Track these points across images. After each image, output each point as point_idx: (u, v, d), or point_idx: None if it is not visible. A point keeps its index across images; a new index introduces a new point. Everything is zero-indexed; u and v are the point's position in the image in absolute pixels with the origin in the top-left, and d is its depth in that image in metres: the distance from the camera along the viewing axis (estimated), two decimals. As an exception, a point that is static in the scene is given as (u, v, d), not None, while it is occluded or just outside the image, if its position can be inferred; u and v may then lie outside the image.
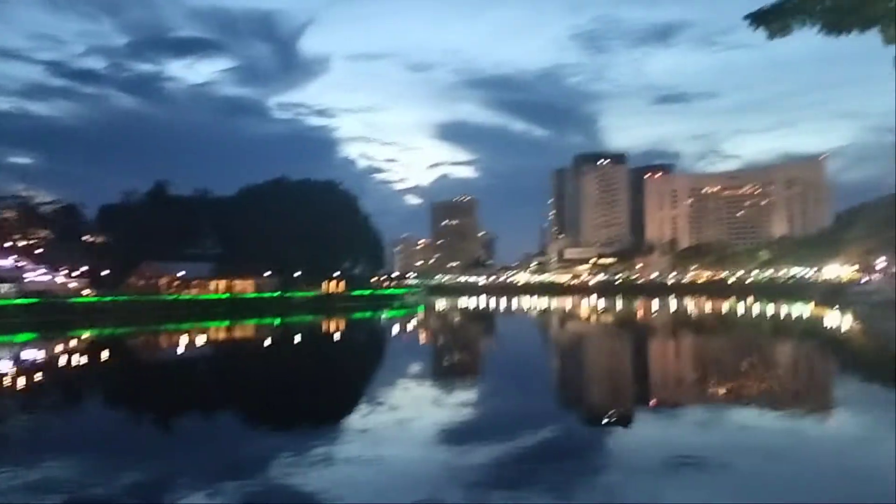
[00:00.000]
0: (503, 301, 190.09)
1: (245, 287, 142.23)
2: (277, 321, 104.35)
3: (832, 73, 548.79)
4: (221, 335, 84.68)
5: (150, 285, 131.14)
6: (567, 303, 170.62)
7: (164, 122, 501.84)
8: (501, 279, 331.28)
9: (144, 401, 36.45)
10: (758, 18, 6.97)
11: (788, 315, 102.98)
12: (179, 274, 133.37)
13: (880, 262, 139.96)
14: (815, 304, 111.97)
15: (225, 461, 22.21)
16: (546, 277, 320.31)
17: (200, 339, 78.21)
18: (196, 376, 48.54)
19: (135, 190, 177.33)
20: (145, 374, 49.31)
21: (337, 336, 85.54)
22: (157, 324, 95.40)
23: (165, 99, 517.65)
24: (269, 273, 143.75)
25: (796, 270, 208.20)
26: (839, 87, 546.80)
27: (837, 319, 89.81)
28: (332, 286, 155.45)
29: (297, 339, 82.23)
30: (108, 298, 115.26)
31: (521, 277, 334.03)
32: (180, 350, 67.38)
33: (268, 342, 78.79)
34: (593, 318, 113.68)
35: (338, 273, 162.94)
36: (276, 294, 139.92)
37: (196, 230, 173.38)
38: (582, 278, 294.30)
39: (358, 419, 28.87)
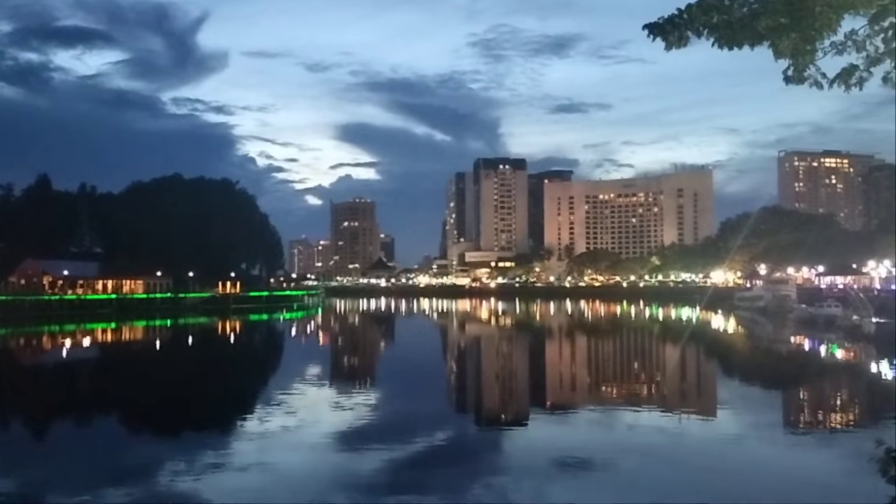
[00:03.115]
0: (404, 303, 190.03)
1: (134, 287, 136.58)
2: (168, 323, 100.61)
3: (714, 90, 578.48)
4: (107, 338, 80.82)
5: (32, 284, 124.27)
6: (468, 305, 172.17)
7: (49, 114, 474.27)
8: (402, 281, 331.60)
9: (19, 407, 34.28)
10: (655, 29, 6.99)
11: (678, 319, 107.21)
12: (64, 273, 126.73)
13: (762, 269, 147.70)
14: (702, 309, 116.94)
15: (107, 470, 21.08)
16: (447, 280, 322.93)
17: (83, 342, 74.41)
18: (76, 382, 46.10)
19: (14, 184, 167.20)
20: (18, 379, 46.44)
21: (231, 339, 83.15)
22: (37, 325, 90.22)
23: (51, 90, 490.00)
24: (160, 273, 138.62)
25: (685, 276, 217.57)
26: (720, 104, 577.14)
27: (722, 323, 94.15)
28: (227, 287, 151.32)
29: (189, 342, 79.54)
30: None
31: (422, 280, 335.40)
32: (60, 353, 63.93)
33: (155, 345, 75.82)
34: (492, 320, 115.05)
35: (234, 274, 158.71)
36: (167, 295, 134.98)
37: (82, 227, 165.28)
38: (482, 281, 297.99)
39: (253, 424, 28.05)
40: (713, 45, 7.17)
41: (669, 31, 7.10)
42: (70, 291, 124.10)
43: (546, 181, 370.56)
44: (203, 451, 22.89)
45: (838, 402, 35.46)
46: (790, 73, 7.31)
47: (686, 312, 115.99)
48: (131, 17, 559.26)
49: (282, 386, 39.22)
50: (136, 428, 29.33)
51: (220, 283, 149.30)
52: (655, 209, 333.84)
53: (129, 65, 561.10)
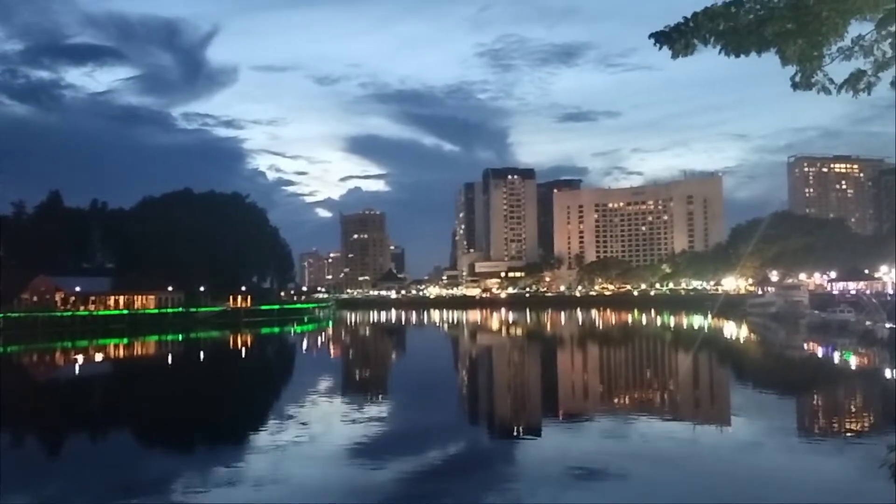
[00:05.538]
0: (415, 315, 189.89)
1: (146, 302, 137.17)
2: (180, 337, 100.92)
3: (722, 95, 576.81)
4: (119, 353, 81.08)
5: (45, 301, 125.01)
6: (478, 316, 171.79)
7: (60, 131, 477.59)
8: (413, 293, 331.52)
9: (34, 423, 34.42)
10: (661, 38, 7.03)
11: (690, 326, 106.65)
12: (76, 289, 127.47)
13: (773, 275, 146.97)
14: (714, 316, 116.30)
15: (123, 484, 21.14)
16: (457, 291, 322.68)
17: (96, 358, 74.69)
18: (90, 396, 46.26)
19: (26, 201, 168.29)
20: (32, 395, 46.64)
21: (244, 353, 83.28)
22: (50, 341, 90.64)
23: (63, 107, 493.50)
24: (171, 288, 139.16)
25: (696, 283, 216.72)
26: (728, 110, 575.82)
27: (734, 330, 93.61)
28: (238, 301, 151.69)
29: (201, 356, 79.74)
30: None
31: (433, 291, 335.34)
32: (72, 369, 64.19)
33: (168, 360, 76.00)
34: (504, 330, 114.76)
35: (245, 287, 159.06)
36: (179, 309, 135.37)
37: (93, 243, 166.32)
38: (493, 291, 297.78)
39: (268, 437, 28.05)
40: (720, 52, 7.21)
41: (676, 39, 7.15)
42: (82, 307, 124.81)
43: (555, 190, 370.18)
44: (218, 464, 22.94)
45: (852, 409, 35.18)
46: (798, 79, 7.33)
47: (698, 320, 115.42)
48: (141, 33, 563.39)
49: (295, 398, 39.24)
50: (151, 441, 29.41)
51: (231, 297, 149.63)
52: (665, 216, 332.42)
53: (140, 81, 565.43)
